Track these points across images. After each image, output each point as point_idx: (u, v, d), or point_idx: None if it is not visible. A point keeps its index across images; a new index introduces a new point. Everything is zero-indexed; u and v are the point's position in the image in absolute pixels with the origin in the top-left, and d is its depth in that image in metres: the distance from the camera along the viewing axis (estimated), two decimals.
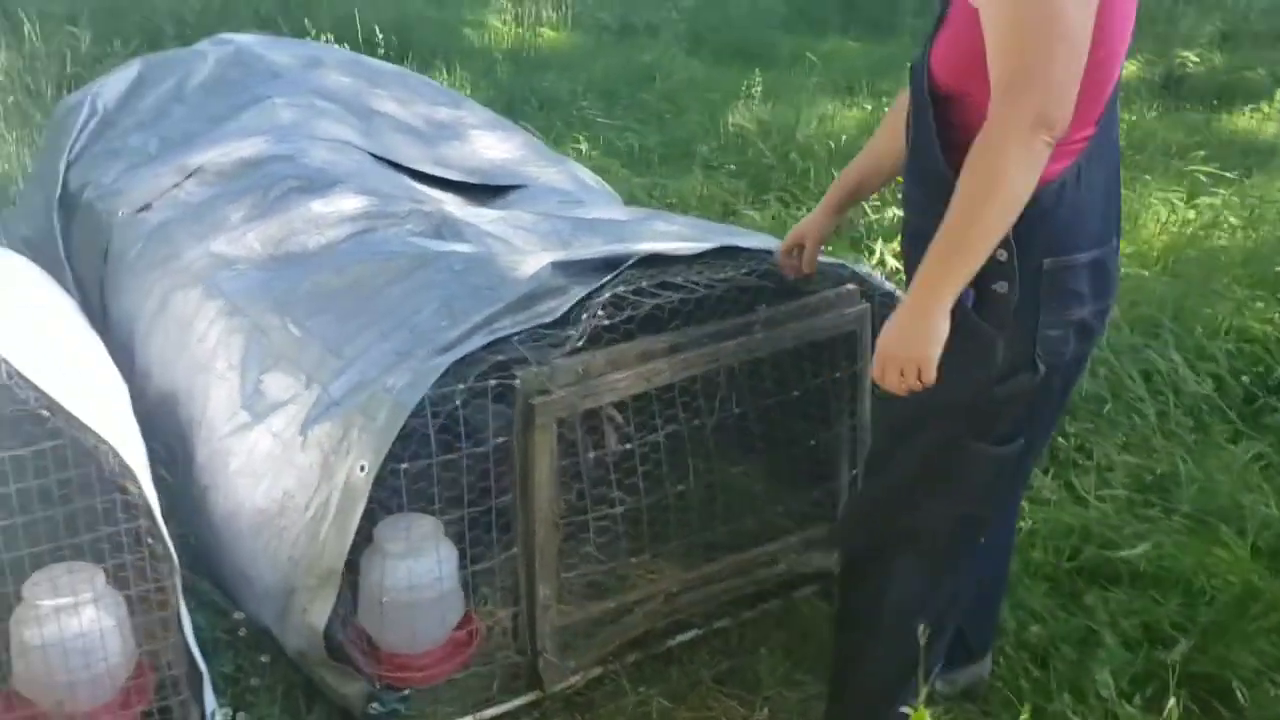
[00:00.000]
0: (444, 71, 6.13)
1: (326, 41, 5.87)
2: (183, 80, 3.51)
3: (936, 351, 1.75)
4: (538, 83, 5.90)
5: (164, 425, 2.58)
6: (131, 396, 2.64)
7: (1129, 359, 3.31)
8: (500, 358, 2.15)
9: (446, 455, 2.11)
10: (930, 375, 1.77)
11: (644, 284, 2.32)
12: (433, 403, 2.07)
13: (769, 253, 2.45)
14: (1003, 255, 1.73)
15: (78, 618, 1.99)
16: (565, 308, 2.27)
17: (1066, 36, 1.62)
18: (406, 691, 2.22)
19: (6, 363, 1.83)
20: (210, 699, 2.14)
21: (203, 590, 2.43)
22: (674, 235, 2.72)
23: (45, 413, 1.84)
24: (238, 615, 2.33)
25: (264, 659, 2.28)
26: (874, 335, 2.43)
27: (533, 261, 2.45)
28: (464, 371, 2.12)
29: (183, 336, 2.57)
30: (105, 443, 1.91)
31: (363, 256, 2.55)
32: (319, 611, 2.06)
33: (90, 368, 2.43)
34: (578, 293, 2.31)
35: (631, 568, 2.47)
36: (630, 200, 4.63)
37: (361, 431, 2.06)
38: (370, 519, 2.20)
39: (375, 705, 2.16)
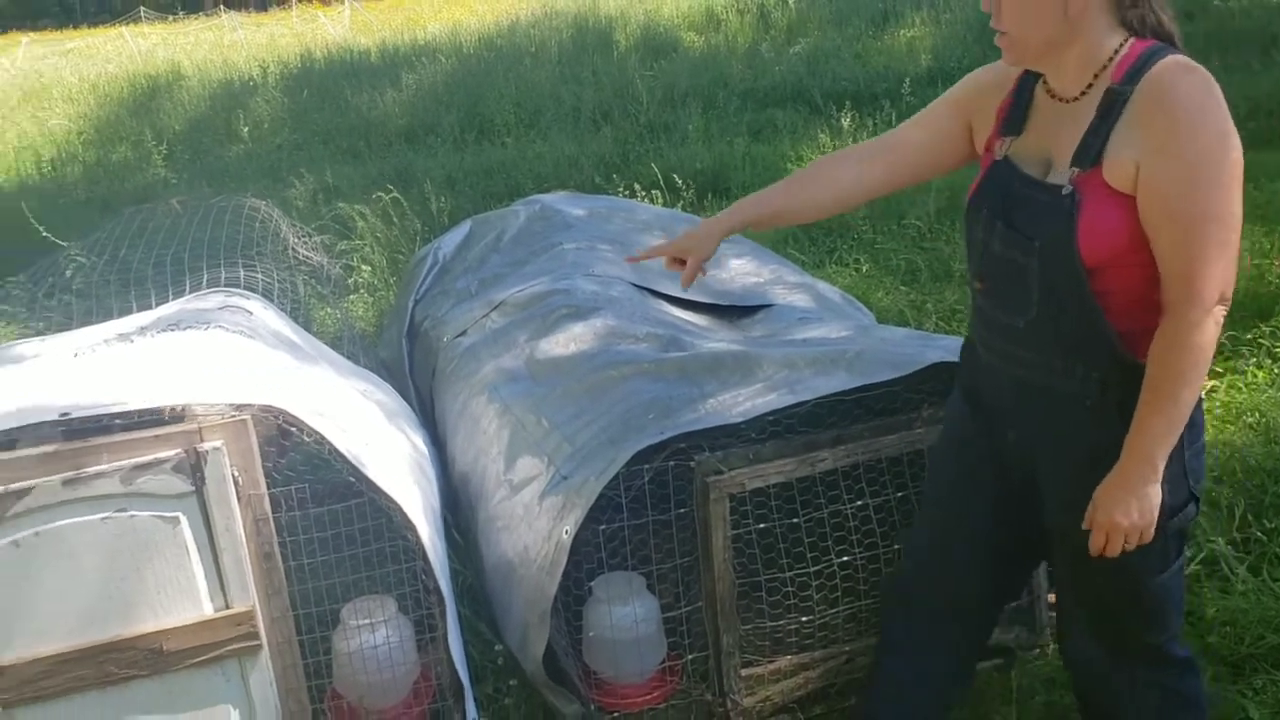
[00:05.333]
0: None
1: (645, 191, 6.80)
2: (500, 234, 4.41)
3: (1155, 517, 1.93)
4: None
5: (461, 498, 3.34)
6: (444, 477, 3.45)
7: None
8: (683, 445, 2.70)
9: (635, 520, 2.67)
10: (1150, 537, 1.95)
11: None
12: (625, 479, 2.64)
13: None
14: None
15: (374, 635, 2.72)
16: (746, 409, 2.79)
17: (1233, 227, 1.84)
18: (615, 715, 2.76)
19: (331, 445, 2.61)
20: (471, 709, 2.79)
21: (480, 628, 3.11)
22: (878, 344, 3.16)
23: (352, 479, 2.60)
24: (498, 647, 2.98)
25: (513, 683, 2.90)
26: None
27: None
28: (652, 455, 2.68)
29: (473, 431, 3.33)
30: (394, 502, 2.64)
31: (601, 367, 3.20)
32: (538, 642, 2.66)
33: (407, 453, 3.23)
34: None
35: (807, 627, 2.88)
36: (897, 313, 5.03)
37: (572, 504, 2.67)
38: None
39: None
